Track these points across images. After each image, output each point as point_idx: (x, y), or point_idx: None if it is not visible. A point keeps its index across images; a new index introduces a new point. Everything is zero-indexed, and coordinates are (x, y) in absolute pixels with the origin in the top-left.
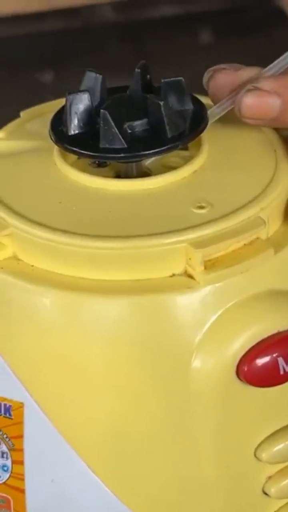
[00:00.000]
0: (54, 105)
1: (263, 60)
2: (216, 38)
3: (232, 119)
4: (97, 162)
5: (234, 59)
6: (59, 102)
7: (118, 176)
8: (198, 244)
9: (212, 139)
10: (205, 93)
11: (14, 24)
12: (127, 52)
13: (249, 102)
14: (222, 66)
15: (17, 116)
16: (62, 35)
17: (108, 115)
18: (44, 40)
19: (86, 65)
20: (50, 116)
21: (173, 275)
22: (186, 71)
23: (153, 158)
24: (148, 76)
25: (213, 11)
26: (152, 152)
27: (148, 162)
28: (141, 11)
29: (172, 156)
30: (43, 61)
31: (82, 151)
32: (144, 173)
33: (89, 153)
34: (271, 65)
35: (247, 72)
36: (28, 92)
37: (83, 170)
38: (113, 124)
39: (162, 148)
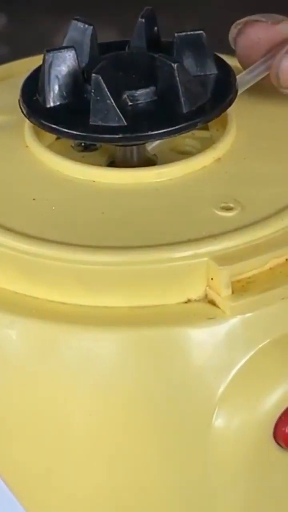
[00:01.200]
0: (21, 66)
1: None
2: None
3: (266, 88)
4: (83, 144)
5: (262, 6)
6: (31, 61)
7: (112, 163)
8: (224, 259)
9: (240, 116)
10: (227, 51)
11: None
12: None
13: None
14: (255, 17)
15: None
16: None
17: (101, 81)
18: None
19: (50, 6)
20: (15, 80)
21: (189, 301)
22: (192, 20)
23: (159, 141)
24: (156, 28)
25: None
26: (162, 133)
27: (153, 145)
28: None
29: (186, 137)
30: None
31: (65, 130)
32: (148, 160)
33: (74, 132)
34: None
35: None
36: None
37: (65, 154)
38: (108, 93)
39: (176, 127)
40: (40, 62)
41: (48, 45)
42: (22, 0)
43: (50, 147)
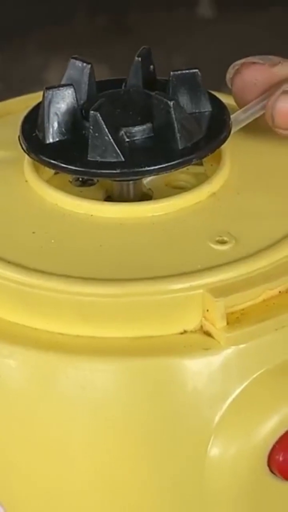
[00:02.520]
0: (20, 103)
1: (279, 38)
2: (217, 10)
3: (260, 127)
4: (81, 179)
5: (240, 37)
6: (30, 99)
7: (109, 198)
8: (219, 291)
9: (234, 153)
10: (214, 87)
11: None
12: (101, 25)
13: (286, 108)
14: (253, 58)
15: None
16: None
17: (100, 118)
18: None
19: (45, 41)
20: (14, 117)
21: (185, 331)
22: (180, 52)
23: (155, 176)
24: (152, 67)
25: None
26: (158, 168)
27: (148, 180)
28: None
29: (181, 173)
30: None
31: (65, 165)
32: (144, 195)
33: (74, 167)
34: None
35: (286, 68)
36: None
37: (63, 189)
38: (106, 130)
39: (172, 163)
40: (37, 100)
41: (39, 80)
42: (14, 37)
43: (49, 182)
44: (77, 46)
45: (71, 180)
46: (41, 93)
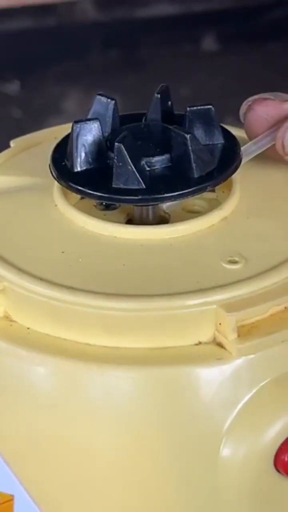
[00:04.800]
0: (49, 134)
1: (279, 72)
2: (221, 44)
3: (268, 158)
4: (104, 203)
5: (243, 71)
6: (55, 131)
7: (129, 220)
8: (231, 307)
9: (244, 181)
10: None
11: None
12: (113, 60)
13: None
14: (265, 95)
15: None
16: (32, 36)
17: (123, 149)
18: (10, 42)
19: (60, 74)
20: (45, 146)
21: (200, 343)
22: (185, 84)
23: (173, 201)
24: (169, 103)
25: (218, 10)
26: (176, 195)
27: (166, 205)
28: (130, 9)
29: (196, 199)
30: (8, 68)
31: (91, 192)
32: (162, 218)
33: (100, 194)
34: None
35: None
36: None
37: (88, 212)
38: (129, 160)
39: (188, 190)
40: (64, 131)
41: (57, 109)
42: (34, 69)
43: (75, 206)
44: (91, 78)
45: (95, 204)
46: (66, 125)
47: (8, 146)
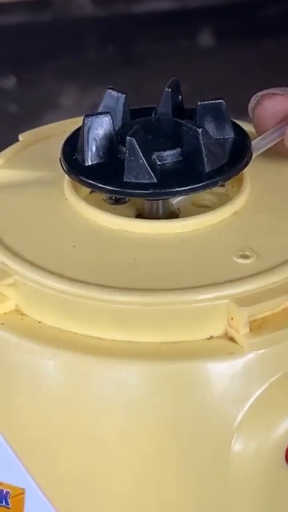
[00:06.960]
0: (58, 128)
1: (275, 68)
2: (218, 40)
3: (277, 153)
4: (114, 197)
5: (238, 66)
6: (64, 125)
7: (139, 215)
8: (243, 301)
9: (254, 176)
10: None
11: None
12: (109, 55)
13: None
14: (273, 90)
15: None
16: (28, 31)
17: (135, 143)
18: (6, 37)
19: (57, 69)
20: (54, 140)
21: (211, 337)
22: (182, 79)
23: (184, 196)
24: (180, 97)
25: (215, 6)
26: (188, 189)
27: (176, 199)
28: (127, 5)
29: (206, 193)
30: (5, 62)
31: (103, 186)
32: (171, 213)
33: (111, 188)
34: None
35: None
36: None
37: (98, 206)
38: (141, 154)
39: (199, 185)
40: (74, 125)
41: (53, 104)
42: (30, 64)
43: (85, 200)
44: (88, 73)
45: (105, 198)
46: (75, 119)
47: (4, 141)
